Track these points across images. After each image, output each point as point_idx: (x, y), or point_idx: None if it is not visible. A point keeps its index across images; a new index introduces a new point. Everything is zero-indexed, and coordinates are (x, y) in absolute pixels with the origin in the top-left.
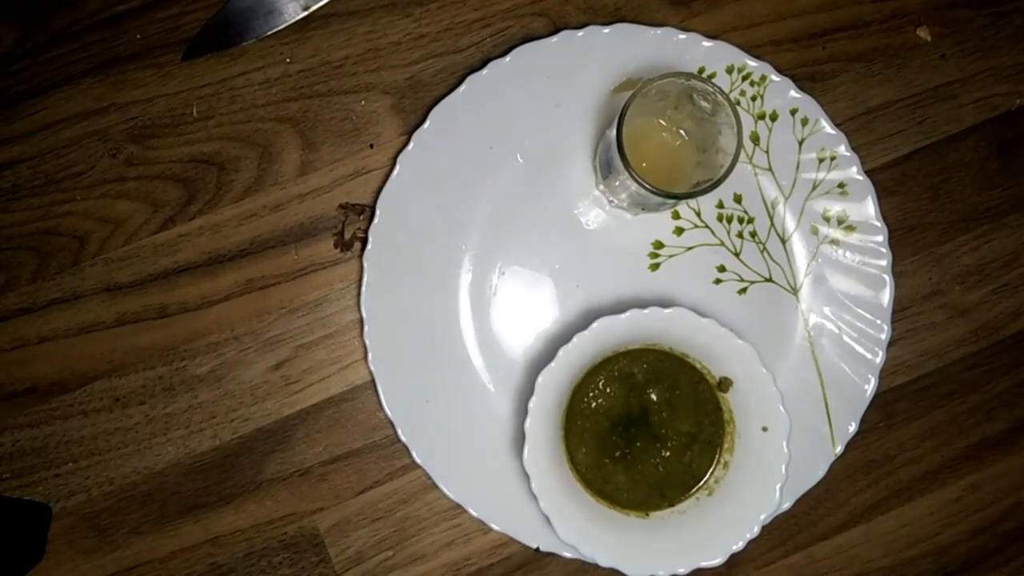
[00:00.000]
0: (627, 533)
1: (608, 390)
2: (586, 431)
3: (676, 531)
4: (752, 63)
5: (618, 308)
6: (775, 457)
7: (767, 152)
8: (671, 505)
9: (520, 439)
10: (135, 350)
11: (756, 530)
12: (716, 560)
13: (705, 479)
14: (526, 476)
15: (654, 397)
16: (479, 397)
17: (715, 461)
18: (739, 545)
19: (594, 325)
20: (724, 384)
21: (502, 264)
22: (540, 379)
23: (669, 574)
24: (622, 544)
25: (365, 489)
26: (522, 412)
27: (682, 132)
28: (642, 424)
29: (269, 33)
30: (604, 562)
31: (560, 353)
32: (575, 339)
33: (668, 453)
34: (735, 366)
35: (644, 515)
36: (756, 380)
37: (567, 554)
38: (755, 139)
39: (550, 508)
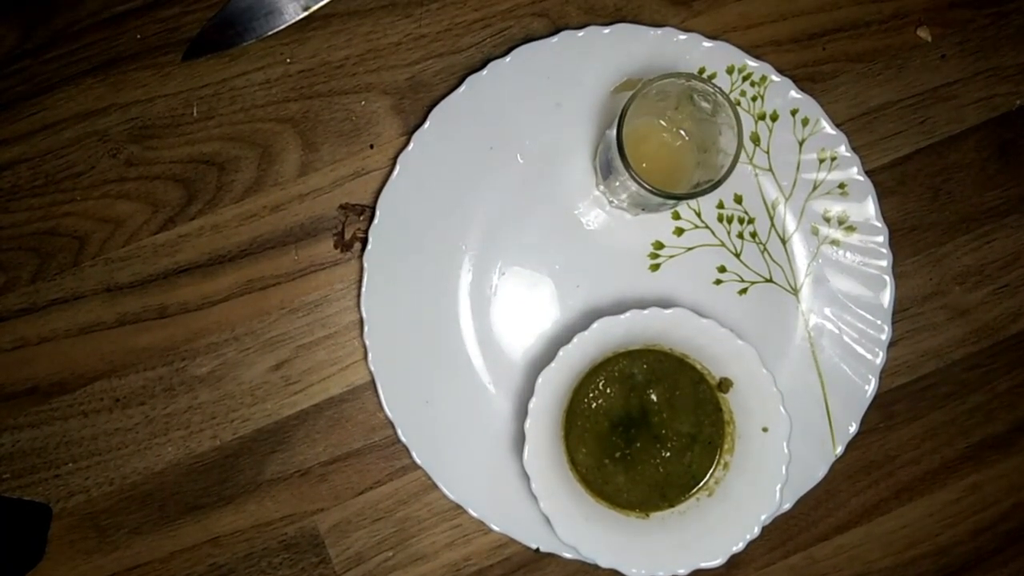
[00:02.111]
0: (627, 534)
1: (608, 391)
2: (586, 432)
3: (676, 532)
4: (752, 63)
5: (618, 308)
6: (775, 458)
7: (767, 152)
8: (671, 506)
9: (520, 439)
10: (135, 350)
11: (756, 531)
12: (716, 561)
13: (705, 480)
14: (526, 477)
15: (654, 398)
16: (479, 397)
17: (715, 462)
18: (739, 546)
19: (594, 326)
20: (724, 385)
21: (502, 264)
22: (540, 380)
23: (669, 575)
24: (622, 545)
25: (365, 490)
26: (522, 412)
27: (682, 132)
28: (642, 425)
29: (269, 33)
30: (604, 563)
31: (560, 354)
32: (575, 340)
33: (668, 454)
34: (735, 367)
35: (644, 516)
36: (756, 381)
37: (567, 555)
38: (755, 139)
39: (550, 509)
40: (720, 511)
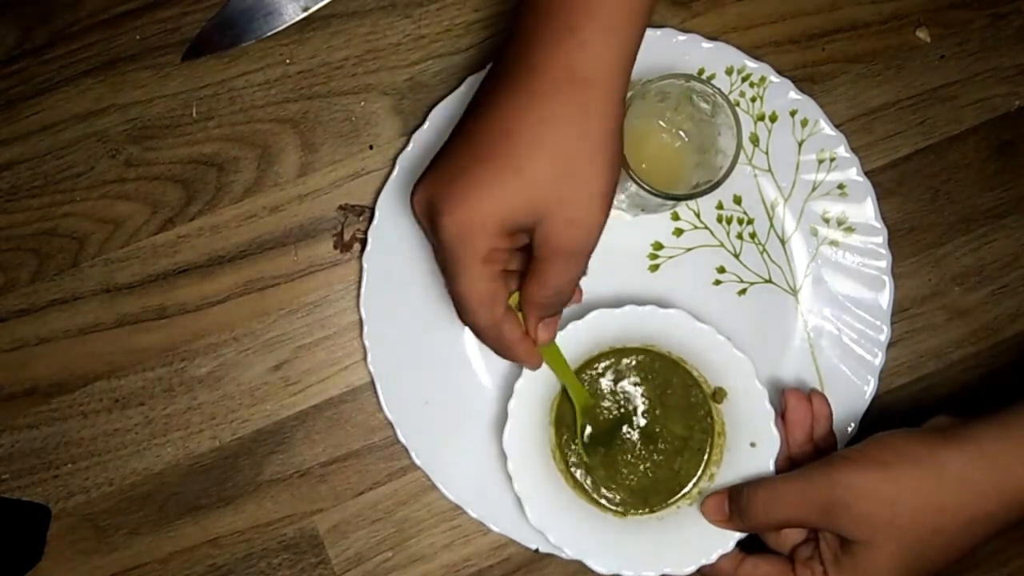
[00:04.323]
0: (600, 530)
1: (600, 386)
2: (574, 423)
3: (651, 535)
4: (752, 64)
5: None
6: (761, 474)
7: (767, 153)
8: (652, 510)
9: None
10: (134, 351)
11: (730, 546)
12: (685, 570)
13: (688, 488)
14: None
15: (647, 398)
16: (478, 398)
17: (701, 471)
18: (711, 558)
19: (590, 316)
20: (718, 395)
21: None
22: None
23: (635, 575)
24: (593, 540)
25: (364, 490)
26: None
27: (681, 133)
28: (632, 424)
29: (269, 34)
30: (571, 553)
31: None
32: (569, 327)
33: (657, 457)
34: (731, 378)
35: (622, 515)
36: (750, 395)
37: (566, 555)
38: (755, 140)
39: (524, 490)
40: (699, 521)
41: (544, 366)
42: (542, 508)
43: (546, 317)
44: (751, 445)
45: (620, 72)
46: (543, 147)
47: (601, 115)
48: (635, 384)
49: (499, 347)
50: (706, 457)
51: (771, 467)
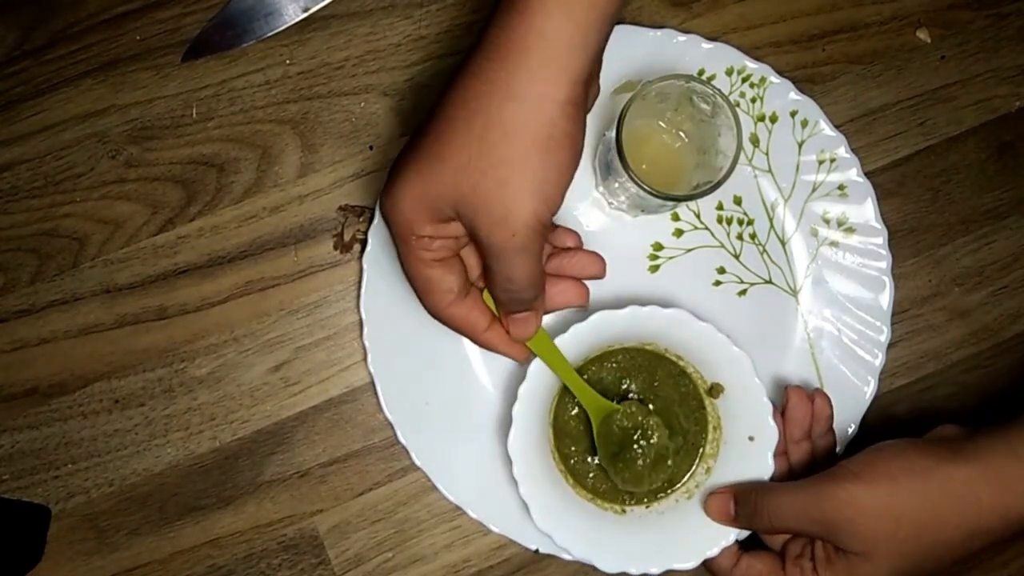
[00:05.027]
0: (603, 528)
1: (599, 385)
2: (573, 423)
3: (653, 531)
4: (752, 65)
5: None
6: (759, 468)
7: (767, 154)
8: (648, 505)
9: None
10: (134, 352)
11: (732, 538)
12: (689, 564)
13: (685, 481)
14: (510, 461)
15: (643, 396)
16: (478, 399)
17: (698, 465)
18: (713, 551)
19: (592, 318)
20: (715, 390)
21: None
22: (533, 367)
23: (640, 572)
24: (597, 538)
25: (364, 491)
26: None
27: (681, 134)
28: (629, 422)
29: (269, 35)
30: (577, 554)
31: (556, 341)
32: (571, 330)
33: (652, 453)
34: (728, 373)
35: (620, 512)
36: (748, 389)
37: (566, 556)
38: (755, 141)
39: (529, 494)
40: (698, 514)
41: (545, 369)
42: (546, 511)
43: (514, 312)
44: (749, 439)
45: (573, 44)
46: (466, 134)
47: (539, 94)
48: (624, 382)
49: (465, 335)
50: (701, 451)
51: (769, 460)
